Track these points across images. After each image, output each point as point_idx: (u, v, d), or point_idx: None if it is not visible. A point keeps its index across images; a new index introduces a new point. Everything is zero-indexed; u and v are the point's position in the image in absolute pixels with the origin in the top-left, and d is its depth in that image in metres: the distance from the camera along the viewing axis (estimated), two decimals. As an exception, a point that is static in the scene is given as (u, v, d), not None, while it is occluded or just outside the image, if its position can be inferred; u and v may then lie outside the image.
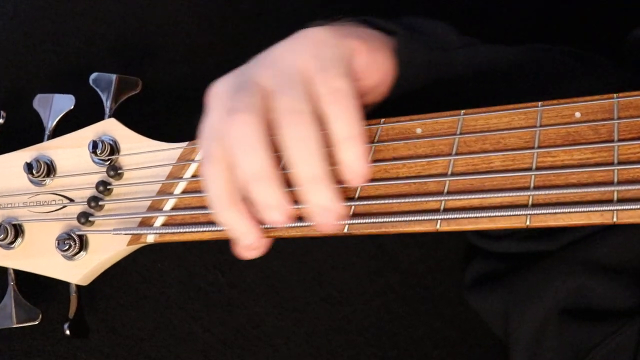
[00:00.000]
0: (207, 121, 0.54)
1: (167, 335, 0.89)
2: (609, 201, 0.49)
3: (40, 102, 0.67)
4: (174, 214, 0.59)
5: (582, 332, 0.71)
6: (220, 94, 0.55)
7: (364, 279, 0.94)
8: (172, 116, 0.90)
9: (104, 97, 0.65)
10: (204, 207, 0.58)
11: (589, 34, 0.98)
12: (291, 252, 0.92)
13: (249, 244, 0.55)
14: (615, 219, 0.48)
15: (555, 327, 0.73)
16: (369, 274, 0.94)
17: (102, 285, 0.87)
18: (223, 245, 0.90)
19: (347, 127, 0.52)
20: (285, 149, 0.51)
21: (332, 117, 0.52)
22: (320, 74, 0.53)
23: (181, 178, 0.60)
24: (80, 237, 0.61)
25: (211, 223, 0.57)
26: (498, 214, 0.51)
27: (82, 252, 0.61)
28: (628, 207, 0.48)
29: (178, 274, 0.90)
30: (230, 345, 0.90)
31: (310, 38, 0.55)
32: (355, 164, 0.53)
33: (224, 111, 0.53)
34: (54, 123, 0.66)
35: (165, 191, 0.60)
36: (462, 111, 0.56)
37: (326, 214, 0.52)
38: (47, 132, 0.66)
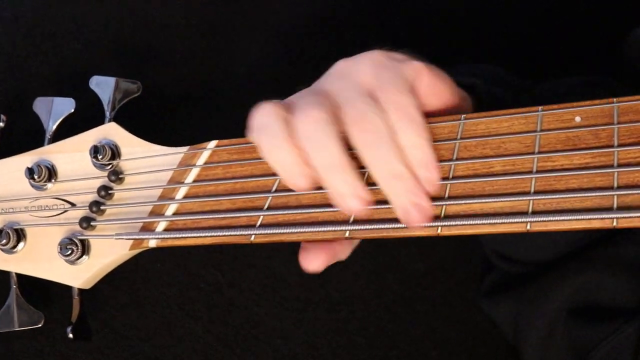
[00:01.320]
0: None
1: (167, 335, 0.89)
2: (609, 207, 0.50)
3: (40, 105, 0.68)
4: (175, 219, 0.59)
5: (585, 331, 0.72)
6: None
7: (363, 279, 0.94)
8: (172, 118, 0.91)
9: (103, 101, 0.66)
10: (205, 212, 0.59)
11: (589, 33, 0.98)
12: (291, 252, 0.93)
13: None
14: (615, 224, 0.49)
15: (563, 327, 0.73)
16: (369, 274, 0.95)
17: (103, 285, 0.88)
18: (223, 246, 0.91)
19: (414, 137, 0.54)
20: (363, 154, 0.53)
21: (400, 131, 0.53)
22: (381, 92, 0.54)
23: (182, 183, 0.60)
24: (82, 241, 0.62)
25: (213, 228, 0.58)
26: (499, 220, 0.52)
27: (84, 257, 0.62)
28: (627, 215, 0.49)
29: (178, 274, 0.90)
30: (230, 345, 0.90)
31: (371, 59, 0.56)
32: (425, 167, 0.54)
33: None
34: (55, 127, 0.66)
35: (166, 196, 0.60)
36: (463, 115, 0.56)
37: (414, 210, 0.53)
38: (47, 136, 0.66)
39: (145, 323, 0.89)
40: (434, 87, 0.58)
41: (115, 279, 0.89)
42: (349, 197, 0.54)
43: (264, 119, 0.55)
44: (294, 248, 0.92)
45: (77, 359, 0.87)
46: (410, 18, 0.99)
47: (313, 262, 0.57)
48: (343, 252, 0.59)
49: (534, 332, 0.76)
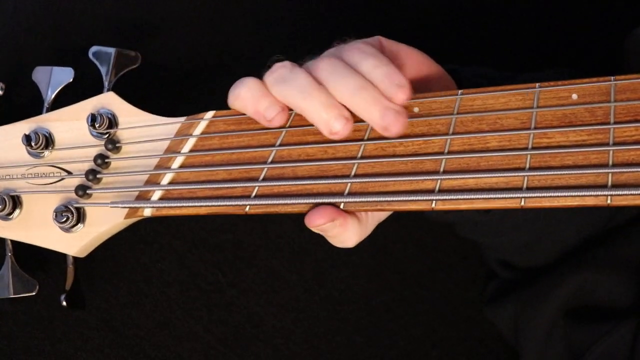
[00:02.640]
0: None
1: (167, 335, 0.90)
2: (604, 185, 0.50)
3: (39, 74, 0.68)
4: (171, 188, 0.60)
5: (581, 331, 0.73)
6: None
7: (363, 279, 0.95)
8: (170, 89, 0.91)
9: (103, 71, 0.67)
10: (201, 182, 0.60)
11: (589, 33, 0.99)
12: (291, 252, 0.93)
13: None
14: (609, 201, 0.50)
15: (561, 328, 0.74)
16: (369, 273, 0.95)
17: (103, 285, 0.89)
18: (223, 245, 0.92)
19: (372, 60, 0.57)
20: (331, 89, 0.57)
21: (359, 63, 0.57)
22: (342, 51, 0.59)
23: (179, 152, 0.61)
24: (78, 209, 0.63)
25: (208, 198, 0.59)
26: (493, 196, 0.52)
27: (79, 225, 0.63)
28: (622, 192, 0.50)
29: (178, 274, 0.91)
30: (230, 345, 0.91)
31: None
32: (390, 78, 0.56)
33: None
34: (53, 96, 0.67)
35: (162, 165, 0.61)
36: (460, 91, 0.57)
37: (389, 114, 0.55)
38: (45, 105, 0.67)
39: (146, 323, 0.90)
40: (398, 49, 0.62)
41: (116, 278, 0.90)
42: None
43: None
44: (294, 248, 0.93)
45: (77, 358, 0.87)
46: (409, 16, 0.99)
47: (315, 219, 0.57)
48: (350, 230, 0.59)
49: (533, 333, 0.76)
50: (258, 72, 0.91)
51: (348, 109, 0.57)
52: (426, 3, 1.00)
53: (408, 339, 0.95)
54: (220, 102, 0.90)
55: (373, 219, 0.62)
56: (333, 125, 0.56)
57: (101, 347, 0.88)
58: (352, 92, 0.56)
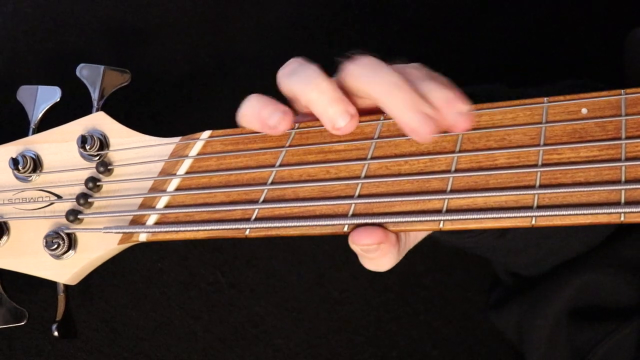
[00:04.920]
0: None
1: (167, 335, 0.91)
2: (617, 202, 0.50)
3: (24, 94, 0.67)
4: (167, 212, 0.60)
5: (585, 331, 0.73)
6: None
7: (363, 279, 0.95)
8: (163, 108, 0.91)
9: (91, 90, 0.66)
10: (198, 205, 0.59)
11: (589, 34, 0.99)
12: (291, 252, 0.94)
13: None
14: (622, 219, 0.50)
15: (565, 328, 0.75)
16: (369, 274, 0.95)
17: (102, 285, 0.89)
18: (223, 246, 0.92)
19: (434, 84, 0.56)
20: (369, 89, 0.55)
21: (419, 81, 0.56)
22: None
23: (174, 175, 0.60)
24: (69, 235, 0.62)
25: (206, 222, 0.58)
26: (503, 215, 0.52)
27: (70, 251, 0.62)
28: (635, 209, 0.49)
29: (178, 274, 0.92)
30: (230, 345, 0.92)
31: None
32: (446, 96, 0.55)
33: None
34: (39, 116, 0.66)
35: (157, 188, 0.61)
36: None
37: (419, 118, 0.54)
38: (32, 126, 0.66)
39: (145, 323, 0.90)
40: None
41: (115, 279, 0.90)
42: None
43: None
44: (293, 248, 0.93)
45: (77, 358, 0.88)
46: (408, 18, 1.00)
47: (363, 237, 0.55)
48: (389, 255, 0.58)
49: (537, 334, 0.77)
50: (258, 73, 0.92)
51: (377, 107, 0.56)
52: (426, 6, 1.00)
53: (408, 339, 0.96)
54: (219, 104, 0.90)
55: (407, 243, 0.61)
56: (337, 120, 0.56)
57: (101, 347, 0.89)
58: (388, 87, 0.54)
